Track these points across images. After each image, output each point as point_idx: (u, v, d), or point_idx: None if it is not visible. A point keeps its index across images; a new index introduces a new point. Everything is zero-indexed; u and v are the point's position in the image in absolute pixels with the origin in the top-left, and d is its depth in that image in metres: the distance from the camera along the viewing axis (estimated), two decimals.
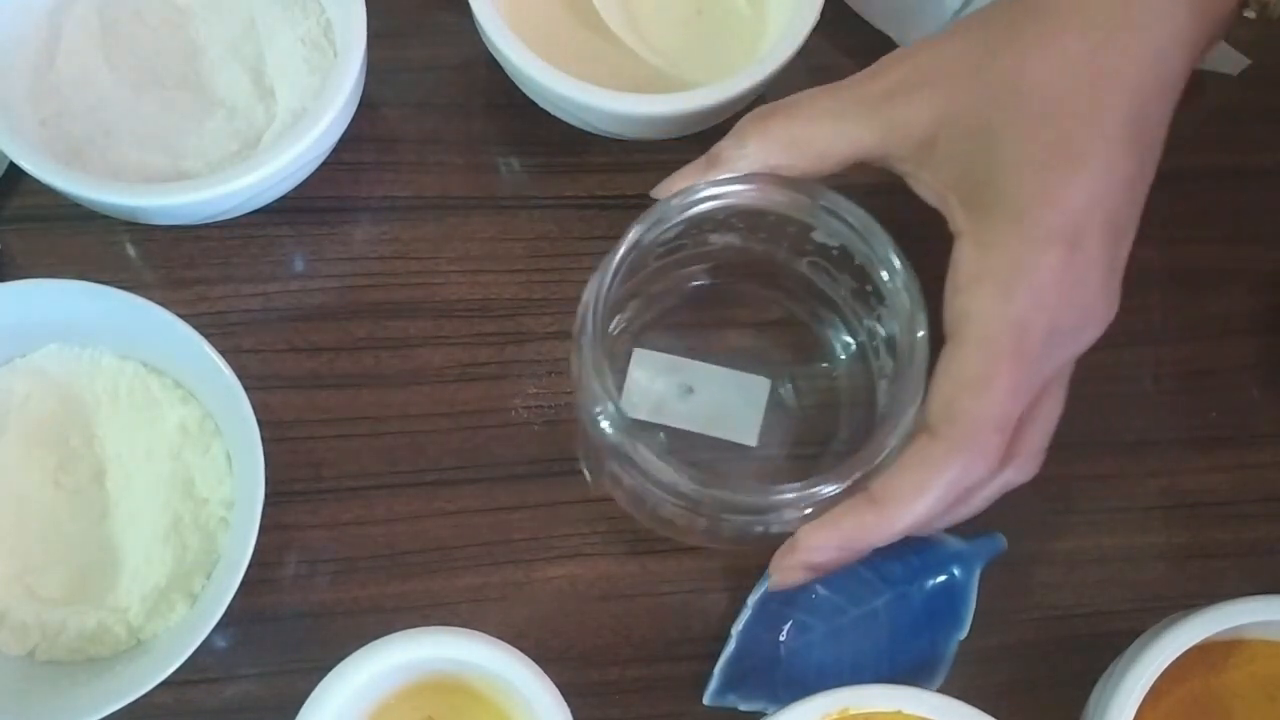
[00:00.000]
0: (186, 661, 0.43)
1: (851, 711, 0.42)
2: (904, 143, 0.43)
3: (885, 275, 0.45)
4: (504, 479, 0.51)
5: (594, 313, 0.43)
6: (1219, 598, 0.45)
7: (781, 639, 0.49)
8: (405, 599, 0.49)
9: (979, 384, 0.41)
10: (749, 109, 0.52)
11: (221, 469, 0.48)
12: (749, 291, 0.52)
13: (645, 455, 0.42)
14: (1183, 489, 0.52)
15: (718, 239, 0.49)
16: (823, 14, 0.50)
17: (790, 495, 0.42)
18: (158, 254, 0.53)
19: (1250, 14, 0.47)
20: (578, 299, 0.45)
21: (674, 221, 0.45)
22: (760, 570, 0.49)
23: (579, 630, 0.50)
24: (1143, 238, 0.56)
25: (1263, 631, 0.46)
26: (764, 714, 0.48)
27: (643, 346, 0.51)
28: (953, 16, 0.55)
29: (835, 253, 0.47)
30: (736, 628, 0.48)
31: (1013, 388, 0.41)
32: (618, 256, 0.43)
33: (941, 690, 0.46)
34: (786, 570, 0.44)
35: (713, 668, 0.48)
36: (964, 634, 0.48)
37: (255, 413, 0.45)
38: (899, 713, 0.42)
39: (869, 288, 0.47)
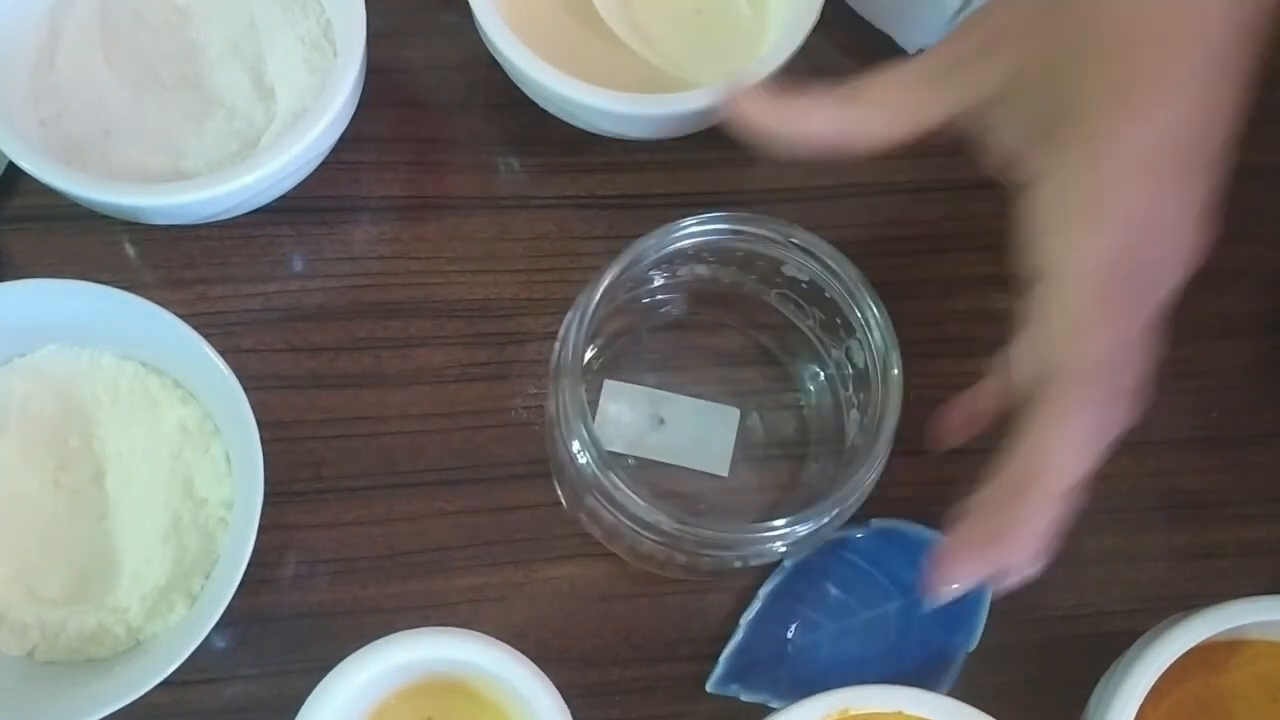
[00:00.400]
0: (186, 662, 0.43)
1: (852, 712, 0.42)
2: (978, 102, 0.42)
3: (858, 311, 0.45)
4: (504, 479, 0.51)
5: (572, 348, 0.43)
6: (1220, 598, 0.45)
7: (789, 635, 0.49)
8: (405, 599, 0.49)
9: (1083, 327, 0.39)
10: None
11: (221, 469, 0.47)
12: (718, 322, 0.53)
13: (625, 493, 0.42)
14: (1184, 489, 0.52)
15: (686, 271, 0.49)
16: (823, 13, 0.50)
17: (770, 533, 0.43)
18: (157, 254, 0.53)
19: None
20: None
21: (651, 260, 0.45)
22: (771, 566, 0.49)
23: (579, 631, 0.50)
24: None
25: (1264, 631, 0.46)
26: (765, 706, 0.48)
27: (613, 378, 0.51)
28: (953, 16, 0.55)
29: (805, 285, 0.47)
30: (746, 618, 0.49)
31: (1115, 326, 0.39)
32: (596, 295, 0.43)
33: None
34: (945, 593, 0.41)
35: (713, 668, 0.48)
36: (973, 646, 0.48)
37: (255, 413, 0.45)
38: (900, 713, 0.42)
39: (838, 320, 0.47)
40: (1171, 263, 0.40)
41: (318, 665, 0.42)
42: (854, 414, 0.48)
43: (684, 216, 0.45)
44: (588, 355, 0.50)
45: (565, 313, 0.44)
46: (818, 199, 0.55)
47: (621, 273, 0.44)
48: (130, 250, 0.53)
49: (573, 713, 0.42)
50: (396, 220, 0.54)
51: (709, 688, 0.48)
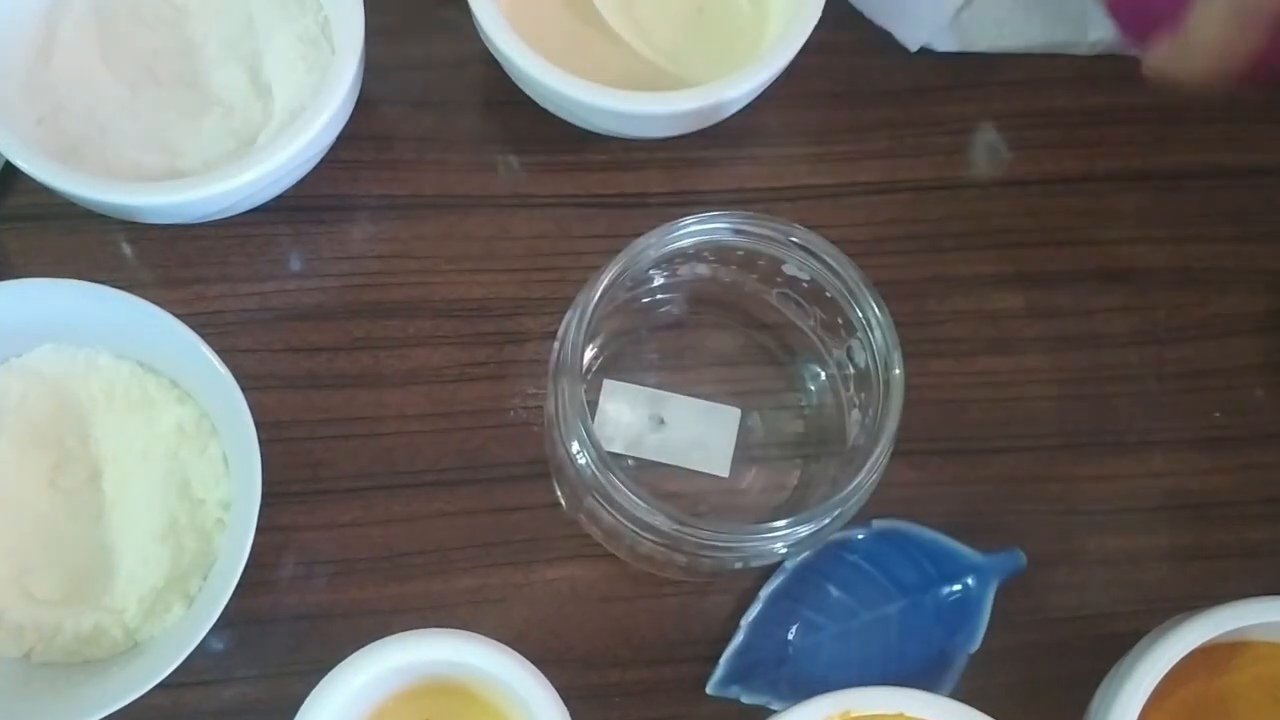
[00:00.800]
0: (183, 664, 0.43)
1: (854, 713, 0.41)
2: None
3: (859, 311, 0.45)
4: (503, 479, 0.51)
5: (572, 348, 0.43)
6: (1223, 599, 0.44)
7: (790, 636, 0.49)
8: (404, 600, 0.49)
9: None
10: (750, 108, 0.52)
11: (218, 469, 0.47)
12: (718, 322, 0.53)
13: (624, 493, 0.42)
14: (1186, 490, 0.52)
15: (687, 271, 0.49)
16: (824, 12, 0.50)
17: (770, 534, 0.42)
18: (154, 253, 0.53)
19: None
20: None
21: (651, 259, 0.45)
22: (771, 568, 0.49)
23: (579, 632, 0.49)
24: (1146, 237, 0.56)
25: (1267, 633, 0.46)
26: (765, 709, 0.48)
27: (613, 378, 0.51)
28: (955, 14, 0.55)
29: (806, 285, 0.47)
30: (747, 619, 0.48)
31: None
32: (596, 295, 0.43)
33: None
34: None
35: (714, 669, 0.48)
36: (975, 647, 0.48)
37: (252, 413, 0.45)
38: (901, 714, 0.42)
39: (839, 319, 0.47)
40: None
41: (316, 667, 0.42)
42: (855, 414, 0.48)
43: (684, 216, 0.45)
44: (587, 355, 0.50)
45: (564, 312, 0.44)
46: (818, 198, 0.55)
47: (621, 272, 0.44)
48: (127, 249, 0.53)
49: (572, 714, 0.42)
50: (395, 219, 0.54)
51: (709, 689, 0.48)
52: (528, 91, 0.52)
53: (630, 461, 0.51)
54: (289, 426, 0.50)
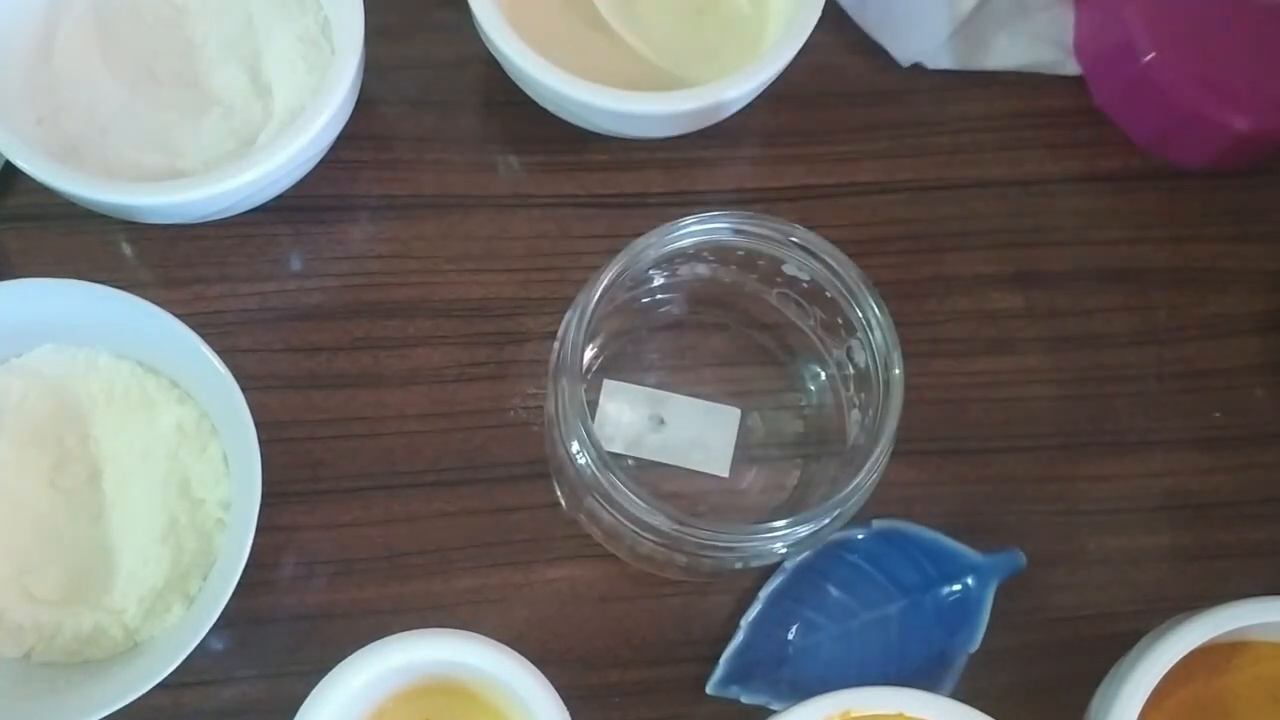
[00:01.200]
0: (183, 664, 0.43)
1: (854, 714, 0.41)
2: None
3: (859, 311, 0.45)
4: (503, 479, 0.51)
5: (572, 348, 0.43)
6: (1223, 599, 0.44)
7: (790, 636, 0.49)
8: (403, 601, 0.49)
9: None
10: (750, 108, 0.52)
11: (218, 469, 0.47)
12: (718, 322, 0.52)
13: (624, 493, 0.42)
14: (1186, 490, 0.52)
15: (686, 271, 0.49)
16: (824, 12, 0.50)
17: (770, 534, 0.42)
18: (154, 253, 0.53)
19: None
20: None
21: (650, 259, 0.45)
22: (771, 568, 0.49)
23: (579, 632, 0.49)
24: (1146, 237, 0.56)
25: (1267, 633, 0.46)
26: (766, 708, 0.47)
27: (613, 378, 0.51)
28: (949, 38, 0.55)
29: (806, 285, 0.47)
30: (747, 619, 0.48)
31: None
32: (596, 295, 0.43)
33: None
34: None
35: (714, 669, 0.48)
36: (975, 647, 0.48)
37: (252, 413, 0.45)
38: (901, 715, 0.42)
39: (839, 319, 0.47)
40: None
41: (316, 667, 0.42)
42: (855, 414, 0.48)
43: (684, 216, 0.45)
44: (587, 355, 0.50)
45: (564, 312, 0.44)
46: (818, 198, 0.55)
47: (621, 272, 0.44)
48: (127, 249, 0.53)
49: (572, 715, 0.41)
50: (395, 219, 0.54)
51: (709, 689, 0.48)
52: (528, 91, 0.52)
53: (630, 461, 0.51)
54: (289, 426, 0.50)
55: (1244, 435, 0.53)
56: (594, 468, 0.42)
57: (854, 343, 0.47)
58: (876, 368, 0.45)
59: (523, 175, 0.55)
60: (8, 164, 0.49)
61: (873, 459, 0.43)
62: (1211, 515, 0.52)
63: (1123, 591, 0.51)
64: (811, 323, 0.49)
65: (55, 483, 0.47)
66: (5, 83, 0.49)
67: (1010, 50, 0.56)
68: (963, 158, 0.56)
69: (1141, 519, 0.52)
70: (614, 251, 0.44)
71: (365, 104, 0.52)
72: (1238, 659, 0.46)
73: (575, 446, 0.43)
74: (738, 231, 0.45)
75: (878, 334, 0.45)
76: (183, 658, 0.43)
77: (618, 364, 0.52)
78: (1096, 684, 0.46)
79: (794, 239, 0.45)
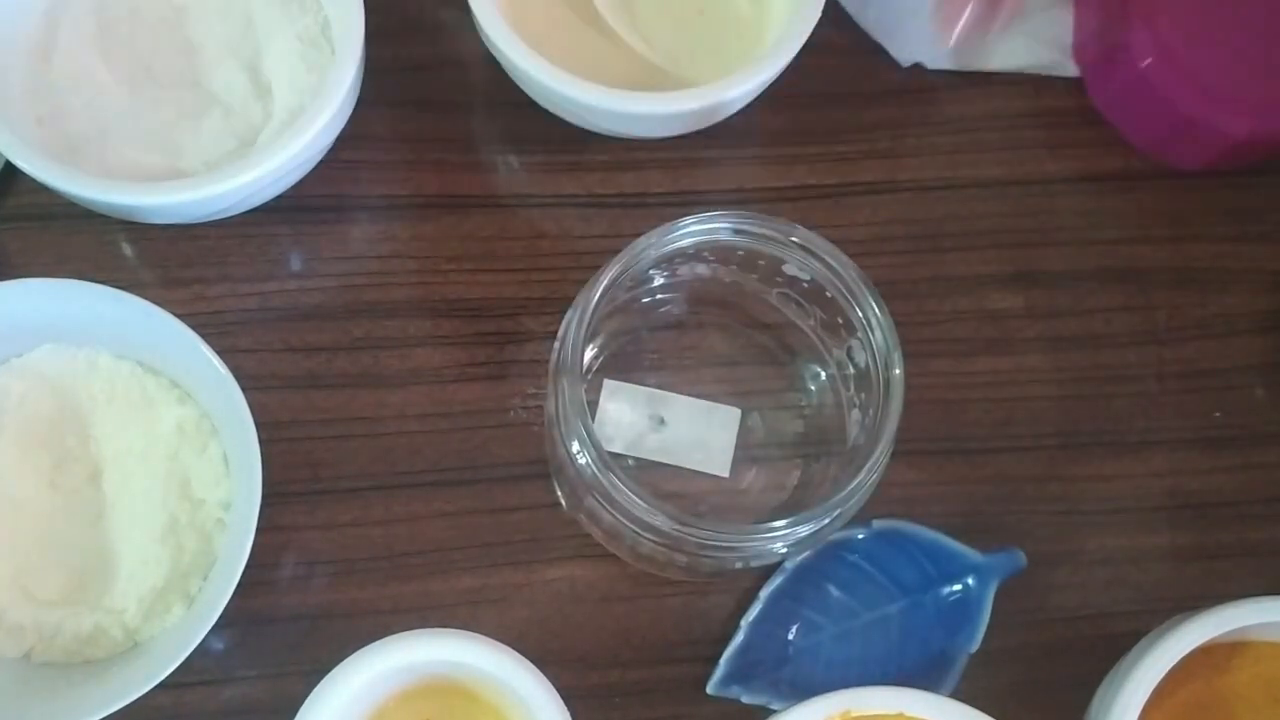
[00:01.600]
0: (183, 664, 0.43)
1: (854, 714, 0.41)
2: None
3: (859, 311, 0.45)
4: (503, 479, 0.51)
5: (572, 348, 0.43)
6: (1223, 599, 0.44)
7: (790, 637, 0.49)
8: (403, 601, 0.49)
9: None
10: (751, 108, 0.52)
11: (218, 470, 0.47)
12: (718, 322, 0.52)
13: (624, 493, 0.42)
14: (1187, 489, 0.52)
15: (686, 271, 0.49)
16: (824, 12, 0.50)
17: (770, 534, 0.42)
18: (154, 253, 0.52)
19: None
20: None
21: (651, 259, 0.45)
22: (772, 568, 0.49)
23: (579, 632, 0.49)
24: (1146, 237, 0.56)
25: (1267, 633, 0.46)
26: (766, 708, 0.47)
27: (613, 378, 0.51)
28: (951, 43, 0.55)
29: (806, 285, 0.47)
30: (747, 619, 0.48)
31: None
32: (596, 295, 0.43)
33: None
34: None
35: (714, 670, 0.48)
36: (975, 647, 0.48)
37: (252, 413, 0.45)
38: (901, 715, 0.42)
39: (839, 319, 0.47)
40: None
41: (316, 667, 0.42)
42: (855, 414, 0.48)
43: (684, 216, 0.45)
44: (587, 355, 0.50)
45: (564, 312, 0.44)
46: (818, 198, 0.55)
47: (621, 272, 0.44)
48: (127, 249, 0.53)
49: (572, 715, 0.41)
50: (395, 219, 0.54)
51: (710, 690, 0.48)
52: (528, 91, 0.52)
53: (630, 461, 0.51)
54: (289, 426, 0.50)
55: (1244, 435, 0.53)
56: (594, 468, 0.42)
57: (854, 343, 0.47)
58: (877, 368, 0.45)
59: (523, 175, 0.55)
60: (8, 164, 0.49)
61: (873, 459, 0.43)
62: (1211, 515, 0.52)
63: (1123, 591, 0.51)
64: (812, 323, 0.49)
65: (55, 483, 0.47)
66: (5, 83, 0.49)
67: (1010, 51, 0.56)
68: (963, 158, 0.56)
69: (1142, 519, 0.52)
70: (614, 251, 0.44)
71: (365, 104, 0.52)
72: (1238, 659, 0.46)
73: (575, 446, 0.43)
74: (738, 231, 0.45)
75: (878, 334, 0.45)
76: (183, 658, 0.42)
77: (618, 364, 0.52)
78: (1097, 684, 0.46)
79: (794, 239, 0.45)
